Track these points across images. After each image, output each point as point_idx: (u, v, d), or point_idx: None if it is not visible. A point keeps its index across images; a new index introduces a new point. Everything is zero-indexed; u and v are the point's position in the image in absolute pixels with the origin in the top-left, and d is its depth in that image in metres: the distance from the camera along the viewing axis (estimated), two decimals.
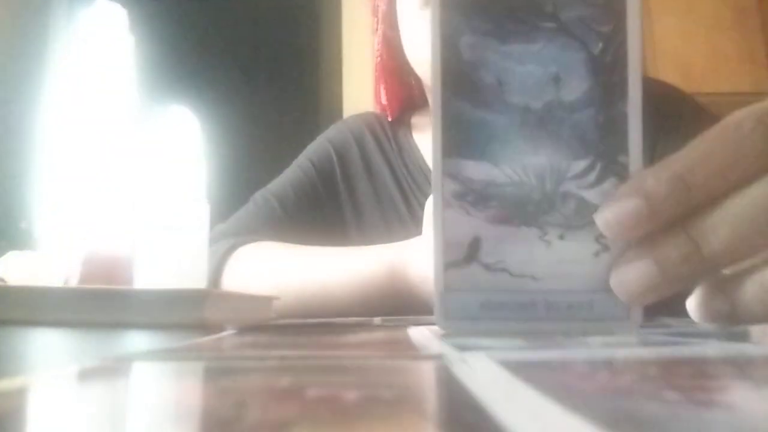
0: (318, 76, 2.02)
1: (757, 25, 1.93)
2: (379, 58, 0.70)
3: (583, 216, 0.27)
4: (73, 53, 0.48)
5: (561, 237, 0.27)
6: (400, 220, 0.67)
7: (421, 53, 0.59)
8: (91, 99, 0.47)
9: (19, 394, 0.13)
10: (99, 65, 0.47)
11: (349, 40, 2.02)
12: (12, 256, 0.42)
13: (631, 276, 0.25)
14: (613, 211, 0.25)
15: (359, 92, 1.94)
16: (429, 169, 0.70)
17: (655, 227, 0.25)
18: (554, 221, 0.27)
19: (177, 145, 0.44)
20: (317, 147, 0.75)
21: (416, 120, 0.73)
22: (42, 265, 0.42)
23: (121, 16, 0.49)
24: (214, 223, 0.44)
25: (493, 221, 0.27)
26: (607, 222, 0.25)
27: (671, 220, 0.24)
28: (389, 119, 0.73)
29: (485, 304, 0.27)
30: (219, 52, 1.97)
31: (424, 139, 0.71)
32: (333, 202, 0.70)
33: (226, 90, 1.87)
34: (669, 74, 1.81)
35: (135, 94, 0.49)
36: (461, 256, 0.27)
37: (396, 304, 0.53)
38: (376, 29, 0.69)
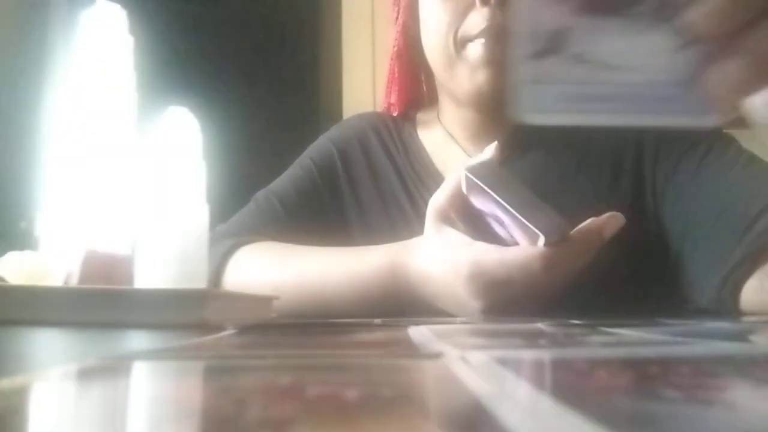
0: (318, 76, 2.02)
1: None
2: (396, 48, 0.69)
3: (669, 8, 0.25)
4: (73, 54, 0.48)
5: (646, 29, 0.25)
6: (404, 218, 0.66)
7: (436, 39, 0.60)
8: (90, 99, 0.47)
9: (21, 392, 0.13)
10: (99, 66, 0.47)
11: (349, 40, 2.02)
12: (12, 256, 0.41)
13: (727, 72, 0.24)
14: (698, 9, 0.24)
15: (359, 92, 1.93)
16: (434, 167, 0.68)
17: (739, 22, 0.24)
18: (641, 12, 0.26)
19: (177, 146, 0.44)
20: (319, 146, 0.74)
21: (422, 116, 0.73)
22: (42, 265, 0.42)
23: (121, 17, 0.49)
24: (214, 223, 0.44)
25: (577, 11, 0.25)
26: (692, 19, 0.24)
27: (752, 15, 0.24)
28: (395, 114, 0.73)
29: (566, 95, 0.26)
30: (219, 52, 1.97)
31: (430, 136, 0.71)
32: (336, 202, 0.70)
33: (226, 90, 1.86)
34: None
35: (135, 94, 0.49)
36: (542, 46, 0.26)
37: (396, 304, 0.53)
38: (396, 18, 0.69)
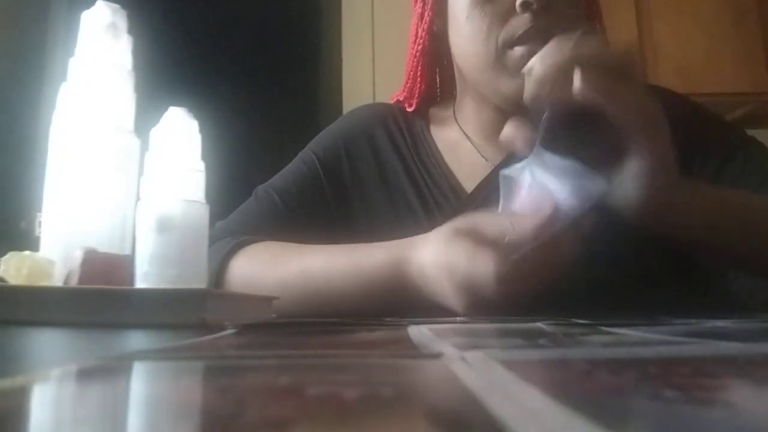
0: (318, 74, 2.01)
1: (756, 27, 1.92)
2: (420, 46, 0.68)
3: None
4: (73, 54, 0.48)
5: None
6: (413, 215, 0.65)
7: (473, 43, 0.59)
8: (90, 99, 0.47)
9: (21, 392, 0.13)
10: (99, 66, 0.47)
11: (349, 37, 2.02)
12: (12, 256, 0.41)
13: None
14: None
15: (359, 90, 1.93)
16: (446, 165, 0.66)
17: None
18: None
19: (177, 146, 0.44)
20: (323, 139, 0.73)
21: (435, 112, 0.72)
22: (42, 265, 0.42)
23: (121, 17, 0.49)
24: (214, 223, 0.44)
25: None
26: None
27: None
28: (409, 109, 0.71)
29: None
30: (218, 50, 1.97)
31: (443, 133, 0.69)
32: (339, 197, 0.68)
33: (225, 89, 1.86)
34: (669, 75, 1.81)
35: (134, 94, 0.49)
36: None
37: (400, 302, 0.53)
38: (422, 14, 0.68)
